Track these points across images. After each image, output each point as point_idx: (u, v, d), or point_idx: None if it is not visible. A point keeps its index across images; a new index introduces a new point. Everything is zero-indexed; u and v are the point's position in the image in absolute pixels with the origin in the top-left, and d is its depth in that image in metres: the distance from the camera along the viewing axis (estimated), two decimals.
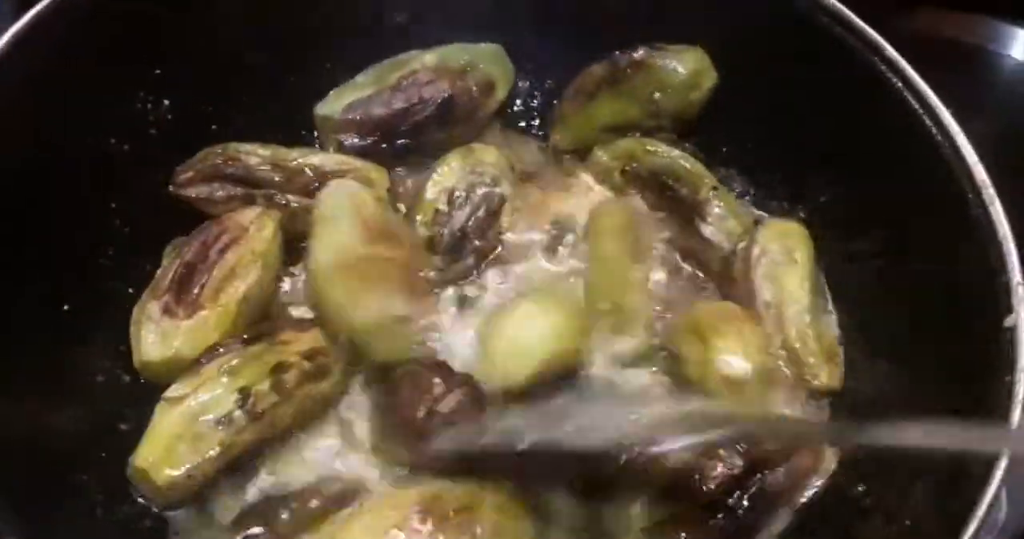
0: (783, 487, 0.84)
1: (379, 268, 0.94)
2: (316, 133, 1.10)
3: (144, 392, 0.90)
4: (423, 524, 0.78)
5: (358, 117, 1.06)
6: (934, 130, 0.86)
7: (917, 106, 0.88)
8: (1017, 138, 1.36)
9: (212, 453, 0.82)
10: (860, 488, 0.83)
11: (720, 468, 0.82)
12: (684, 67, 1.03)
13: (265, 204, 1.01)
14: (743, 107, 1.03)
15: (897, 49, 0.90)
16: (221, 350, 0.87)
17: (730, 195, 1.06)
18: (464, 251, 1.02)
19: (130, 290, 0.96)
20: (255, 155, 1.02)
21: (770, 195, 1.08)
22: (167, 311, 0.91)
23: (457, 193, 1.03)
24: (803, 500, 0.84)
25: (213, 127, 1.05)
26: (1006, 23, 1.45)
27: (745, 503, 0.82)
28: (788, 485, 0.84)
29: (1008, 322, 0.74)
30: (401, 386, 0.87)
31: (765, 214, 1.07)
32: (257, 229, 0.97)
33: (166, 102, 1.00)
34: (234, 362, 0.86)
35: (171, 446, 0.82)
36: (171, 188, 1.00)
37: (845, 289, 0.99)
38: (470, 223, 1.03)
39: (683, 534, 0.81)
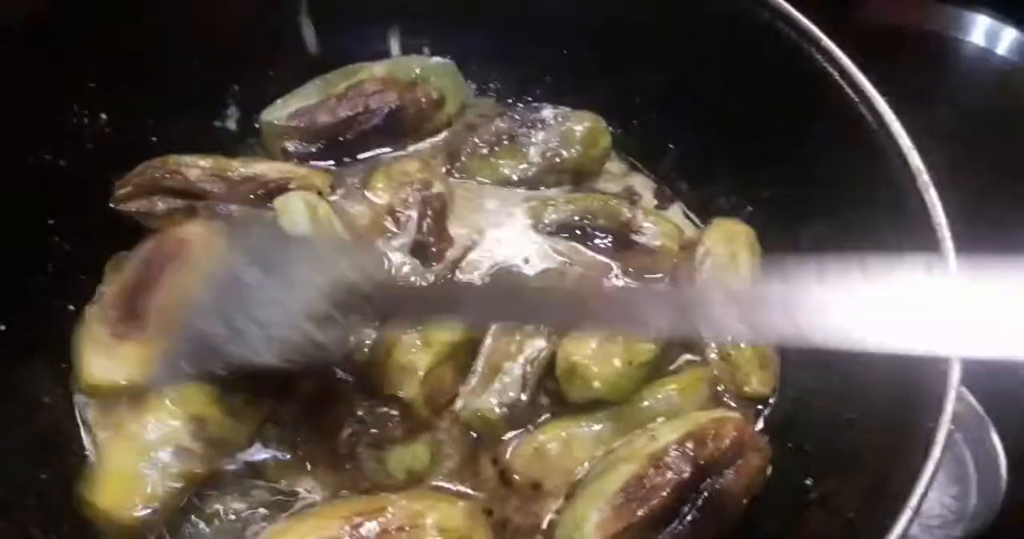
0: (735, 489, 0.84)
1: None
2: (261, 141, 1.10)
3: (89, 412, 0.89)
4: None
5: (303, 124, 1.07)
6: (870, 118, 0.85)
7: (852, 95, 0.87)
8: (977, 122, 1.37)
9: (175, 485, 0.82)
10: (807, 481, 0.83)
11: (669, 474, 0.82)
12: (582, 126, 1.08)
13: (207, 215, 1.00)
14: (684, 108, 1.05)
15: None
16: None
17: (649, 205, 1.08)
18: (430, 258, 1.02)
19: (71, 307, 0.95)
20: (195, 167, 1.01)
21: (716, 193, 1.08)
22: (114, 332, 0.89)
23: (397, 209, 1.03)
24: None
25: (153, 139, 1.04)
26: (964, 9, 1.47)
27: (699, 506, 0.83)
28: (740, 486, 0.85)
29: None
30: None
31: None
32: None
33: (103, 116, 0.99)
34: (185, 390, 0.84)
35: (132, 483, 0.81)
36: (111, 204, 0.99)
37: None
38: (423, 230, 1.02)
39: None
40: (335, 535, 0.77)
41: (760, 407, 0.95)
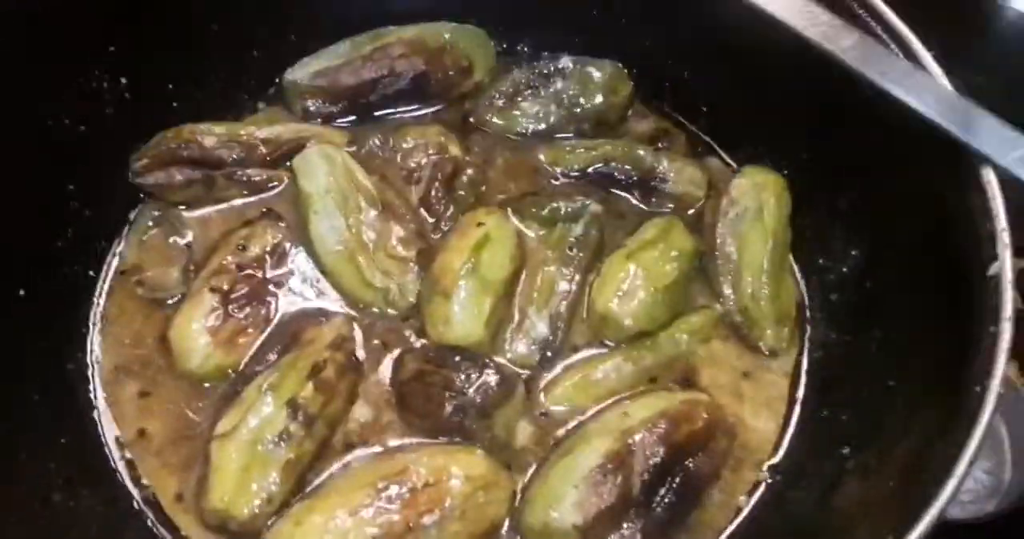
0: (708, 470, 0.84)
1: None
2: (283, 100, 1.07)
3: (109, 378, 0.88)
4: (390, 503, 0.76)
5: (326, 84, 1.05)
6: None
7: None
8: (1017, 89, 1.32)
9: (282, 472, 0.81)
10: (844, 450, 0.80)
11: (646, 454, 0.80)
12: (604, 74, 1.06)
13: (225, 184, 0.99)
14: (719, 69, 1.01)
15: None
16: (258, 368, 0.87)
17: (673, 153, 1.04)
18: (442, 216, 1.00)
19: (90, 273, 0.94)
20: (210, 134, 0.99)
21: (751, 154, 1.04)
22: (216, 324, 0.89)
23: (412, 171, 1.02)
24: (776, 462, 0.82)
25: (174, 104, 1.02)
26: None
27: (675, 489, 0.81)
28: (711, 468, 0.84)
29: (992, 270, 0.70)
30: (416, 390, 0.86)
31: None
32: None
33: (123, 80, 0.97)
34: (271, 379, 0.84)
35: (241, 480, 0.80)
36: (130, 177, 0.98)
37: (830, 245, 0.96)
38: (432, 194, 1.01)
39: (625, 526, 0.79)
40: (361, 504, 0.76)
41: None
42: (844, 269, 0.93)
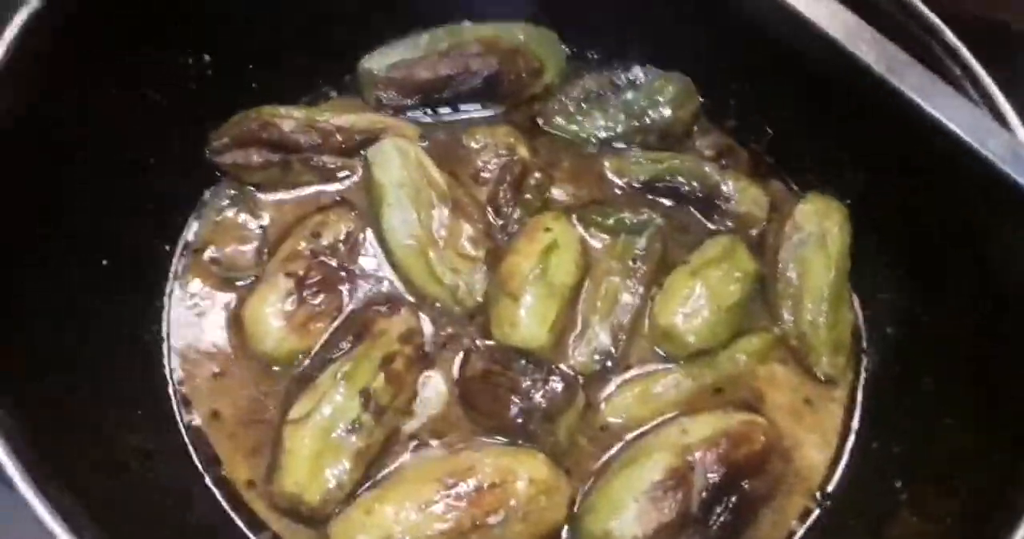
0: (762, 493, 0.86)
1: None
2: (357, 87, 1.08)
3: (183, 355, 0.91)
4: (457, 500, 0.78)
5: (401, 76, 1.06)
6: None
7: (975, 94, 0.85)
8: None
9: (352, 460, 0.83)
10: (897, 483, 0.83)
11: (704, 472, 0.83)
12: (674, 87, 1.07)
13: (301, 169, 1.00)
14: (787, 92, 1.02)
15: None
16: (334, 354, 0.88)
17: (737, 171, 1.06)
18: (509, 218, 1.02)
19: (166, 247, 0.95)
20: (289, 118, 1.00)
21: (814, 181, 1.05)
22: (290, 309, 0.91)
23: (480, 170, 1.03)
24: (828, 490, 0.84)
25: (252, 85, 1.03)
26: None
27: (730, 509, 0.83)
28: (766, 491, 0.86)
29: None
30: (482, 389, 0.88)
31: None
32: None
33: (207, 57, 0.98)
34: (346, 368, 0.86)
35: (314, 466, 0.82)
36: (207, 154, 1.00)
37: (888, 278, 0.98)
38: (500, 195, 1.02)
39: None
40: (429, 498, 0.78)
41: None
42: (901, 302, 0.96)
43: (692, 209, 1.04)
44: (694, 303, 0.93)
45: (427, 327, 0.94)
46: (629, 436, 0.89)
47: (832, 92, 0.93)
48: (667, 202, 1.04)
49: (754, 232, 1.03)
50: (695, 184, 1.04)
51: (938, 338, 0.90)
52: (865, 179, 1.00)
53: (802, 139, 1.05)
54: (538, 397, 0.85)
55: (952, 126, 0.81)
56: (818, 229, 0.98)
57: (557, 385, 0.85)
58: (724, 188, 1.03)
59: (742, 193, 1.03)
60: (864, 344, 0.98)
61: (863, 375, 0.96)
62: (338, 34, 1.06)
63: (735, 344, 0.94)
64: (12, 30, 0.77)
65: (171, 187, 0.97)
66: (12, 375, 0.69)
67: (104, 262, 0.88)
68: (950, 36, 0.88)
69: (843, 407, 0.94)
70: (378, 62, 1.06)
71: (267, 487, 0.84)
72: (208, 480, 0.85)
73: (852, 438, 0.92)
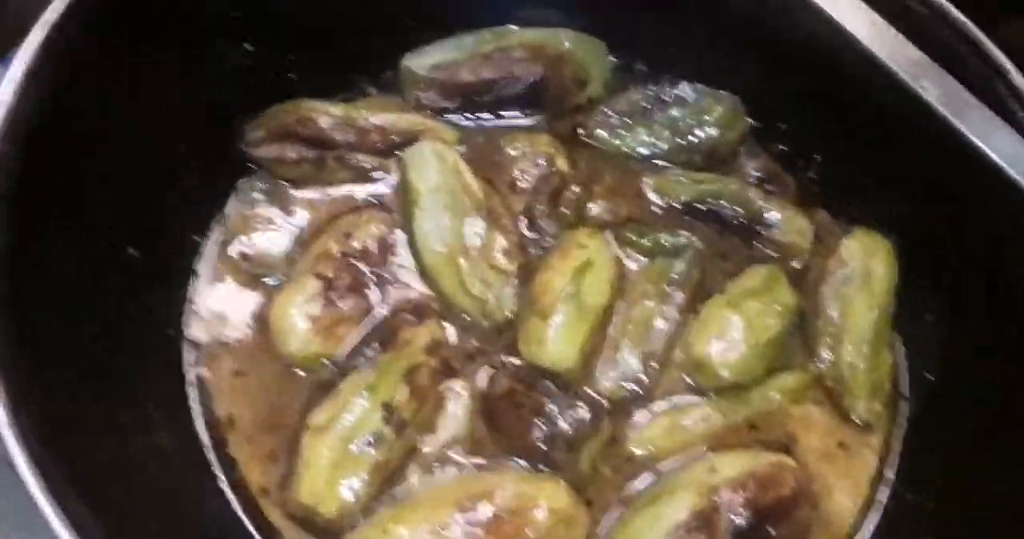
0: (790, 537, 0.83)
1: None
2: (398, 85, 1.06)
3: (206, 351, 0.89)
4: (473, 526, 0.77)
5: (442, 78, 1.04)
6: None
7: None
8: None
9: (370, 474, 0.81)
10: None
11: (730, 515, 0.80)
12: (722, 107, 1.04)
13: (336, 166, 0.98)
14: (839, 119, 0.99)
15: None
16: (358, 361, 0.88)
17: (782, 199, 1.03)
18: (544, 232, 0.99)
19: (195, 237, 0.94)
20: (327, 115, 0.98)
21: (860, 216, 1.02)
22: (317, 311, 0.89)
23: (517, 179, 1.01)
24: None
25: (290, 76, 1.01)
26: None
27: None
28: (793, 535, 0.84)
29: None
30: (505, 408, 0.86)
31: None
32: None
33: (247, 46, 0.96)
34: (369, 378, 0.84)
35: (331, 477, 0.80)
36: (242, 147, 0.98)
37: (931, 322, 0.95)
38: (536, 207, 1.00)
39: None
40: (445, 522, 0.76)
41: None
42: (944, 349, 0.93)
43: (733, 235, 1.01)
44: (730, 335, 0.90)
45: (453, 339, 0.91)
46: (654, 469, 0.87)
47: (889, 125, 0.90)
48: (707, 226, 1.01)
49: (796, 263, 1.00)
50: (738, 209, 1.01)
51: (983, 388, 0.87)
52: (915, 216, 0.96)
53: (853, 170, 1.01)
54: (562, 423, 0.83)
55: (1014, 173, 0.79)
56: (863, 267, 0.95)
57: (583, 412, 0.83)
58: (768, 215, 1.00)
59: (787, 222, 1.00)
60: (904, 389, 0.95)
61: (901, 421, 0.93)
62: (381, 31, 1.04)
63: (770, 381, 0.92)
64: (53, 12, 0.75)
65: (203, 178, 0.95)
66: (28, 367, 0.67)
67: (131, 251, 0.86)
68: (1016, 77, 0.85)
69: (878, 454, 0.91)
70: (420, 61, 1.04)
71: (282, 494, 0.82)
72: (223, 484, 0.84)
73: (885, 489, 0.89)
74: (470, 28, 1.07)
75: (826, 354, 0.93)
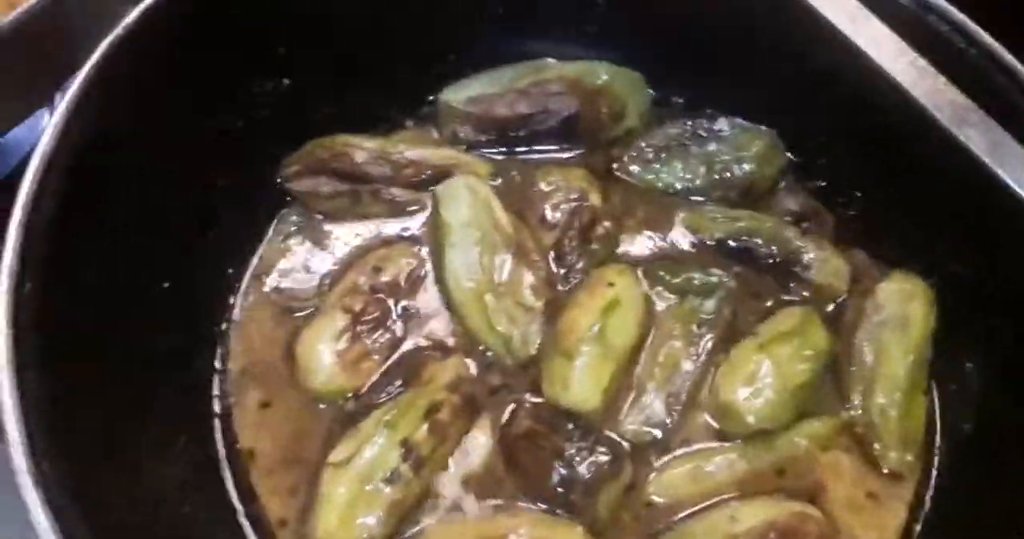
0: None
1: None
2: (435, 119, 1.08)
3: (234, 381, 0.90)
4: None
5: (478, 111, 1.05)
6: None
7: None
8: None
9: (386, 512, 0.81)
10: None
11: None
12: (761, 142, 1.03)
13: (371, 201, 0.99)
14: (880, 158, 0.97)
15: None
16: (381, 397, 0.88)
17: (820, 238, 1.01)
18: (573, 268, 0.99)
19: (230, 270, 0.96)
20: (361, 149, 1.00)
21: (900, 258, 0.99)
22: (344, 346, 0.90)
23: (548, 213, 1.01)
24: None
25: (327, 110, 1.03)
26: None
27: None
28: None
29: None
30: (525, 449, 0.85)
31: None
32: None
33: (285, 81, 0.98)
34: (389, 415, 0.84)
35: (346, 515, 0.80)
36: (279, 180, 1.00)
37: (969, 371, 0.92)
38: (566, 242, 0.99)
39: None
40: None
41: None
42: (983, 398, 0.89)
43: (767, 274, 0.99)
44: (759, 381, 0.88)
45: (476, 375, 0.91)
46: (675, 517, 0.85)
47: (931, 167, 0.87)
48: (740, 264, 1.00)
49: (831, 306, 0.98)
50: (773, 248, 0.99)
51: (1020, 442, 0.84)
52: (955, 262, 0.94)
53: (894, 212, 0.99)
54: (581, 468, 0.82)
55: None
56: (900, 311, 0.93)
57: (603, 457, 0.82)
58: (804, 255, 0.98)
59: (823, 262, 0.98)
60: (937, 439, 0.92)
61: (933, 474, 0.90)
62: (417, 65, 1.06)
63: (798, 427, 0.89)
64: (105, 47, 0.79)
65: (239, 210, 0.97)
66: (52, 397, 0.69)
67: (165, 285, 0.88)
68: None
69: (908, 506, 0.88)
70: (457, 95, 1.05)
71: (300, 528, 0.83)
72: (241, 515, 0.85)
73: None
74: (509, 62, 1.07)
75: (857, 399, 0.91)
